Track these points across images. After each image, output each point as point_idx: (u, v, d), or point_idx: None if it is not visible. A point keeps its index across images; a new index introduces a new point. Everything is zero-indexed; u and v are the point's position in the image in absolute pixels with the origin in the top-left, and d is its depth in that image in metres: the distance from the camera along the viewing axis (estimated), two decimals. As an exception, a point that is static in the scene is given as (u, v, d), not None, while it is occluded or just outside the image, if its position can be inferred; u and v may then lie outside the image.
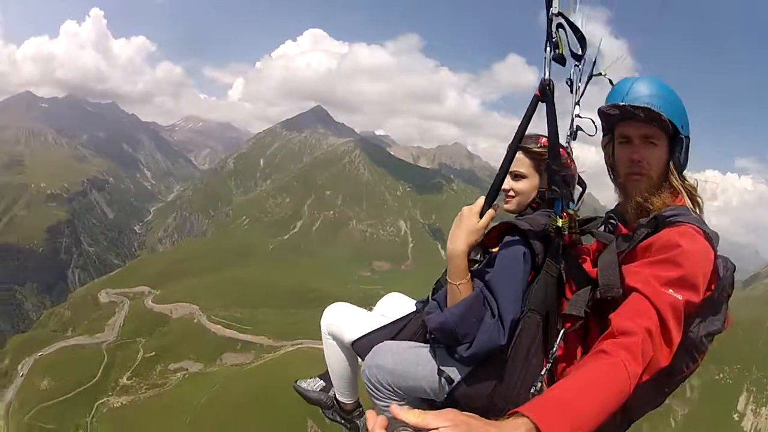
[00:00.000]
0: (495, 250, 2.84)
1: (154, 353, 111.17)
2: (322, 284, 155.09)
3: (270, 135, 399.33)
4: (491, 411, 2.48)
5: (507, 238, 2.78)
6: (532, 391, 2.53)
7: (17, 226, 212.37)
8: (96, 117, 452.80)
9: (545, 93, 2.55)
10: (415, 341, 2.99)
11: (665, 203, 2.64)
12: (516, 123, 2.77)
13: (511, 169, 2.98)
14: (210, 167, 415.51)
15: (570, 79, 3.24)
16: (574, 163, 3.11)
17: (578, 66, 2.78)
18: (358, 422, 3.69)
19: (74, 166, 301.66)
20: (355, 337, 3.23)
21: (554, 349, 2.58)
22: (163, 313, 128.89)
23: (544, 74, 2.54)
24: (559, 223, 2.68)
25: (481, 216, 2.78)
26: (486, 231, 2.82)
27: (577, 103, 3.06)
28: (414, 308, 3.38)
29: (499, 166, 2.85)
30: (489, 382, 2.65)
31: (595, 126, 2.94)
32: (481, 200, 2.82)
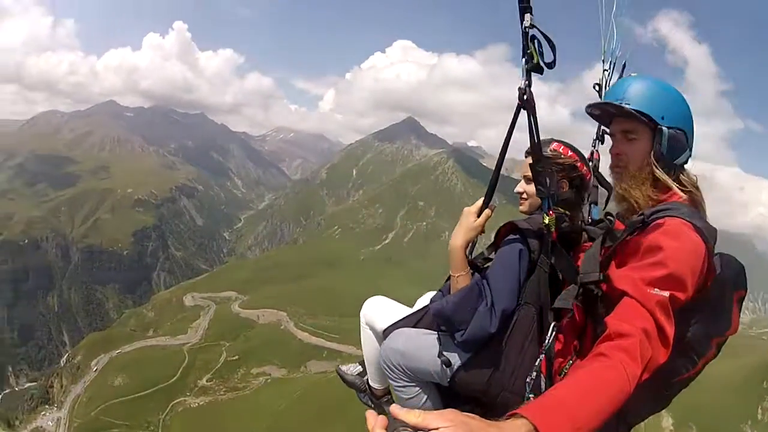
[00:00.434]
0: None
1: (237, 357, 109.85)
2: (411, 295, 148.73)
3: (362, 146, 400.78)
4: (488, 397, 2.90)
5: (509, 237, 3.08)
6: (527, 380, 2.68)
7: (101, 229, 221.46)
8: (184, 127, 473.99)
9: (522, 100, 2.71)
10: (432, 329, 3.22)
11: (648, 196, 2.72)
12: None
13: (523, 173, 3.36)
14: (302, 177, 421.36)
15: (598, 84, 3.59)
16: (587, 166, 3.40)
17: (607, 71, 3.01)
18: (385, 408, 3.86)
19: (162, 173, 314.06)
20: (386, 326, 3.50)
21: (547, 341, 2.72)
22: (249, 318, 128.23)
23: (521, 83, 2.69)
24: (546, 220, 2.86)
25: (478, 215, 3.16)
26: (482, 229, 3.19)
27: None
28: None
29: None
30: (486, 370, 2.89)
31: None
32: (480, 201, 3.19)
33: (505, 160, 2.91)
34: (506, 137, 2.96)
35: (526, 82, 2.68)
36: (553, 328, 2.74)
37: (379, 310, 3.71)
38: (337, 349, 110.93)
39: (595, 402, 1.90)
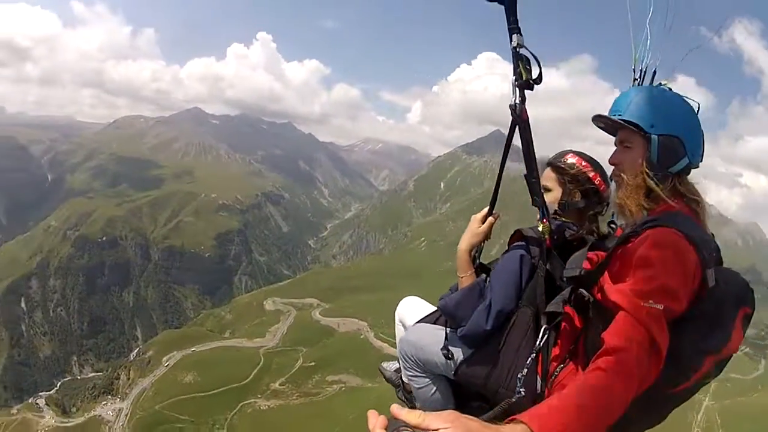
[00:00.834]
0: None
1: (313, 363, 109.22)
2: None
3: (450, 158, 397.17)
4: (488, 393, 3.13)
5: (515, 243, 3.33)
6: (519, 376, 2.85)
7: (183, 231, 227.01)
8: (271, 135, 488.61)
9: (515, 116, 2.92)
10: (446, 326, 3.44)
11: (641, 205, 2.76)
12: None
13: (543, 182, 3.59)
14: (389, 188, 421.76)
15: None
16: (604, 178, 3.60)
17: (637, 80, 2.99)
18: (416, 404, 4.03)
19: (248, 179, 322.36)
20: (413, 323, 3.77)
21: (538, 343, 2.90)
22: (329, 325, 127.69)
23: (512, 100, 2.90)
24: (540, 228, 3.14)
25: (484, 222, 3.52)
26: (487, 235, 3.52)
27: None
28: None
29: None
30: (485, 366, 3.11)
31: None
32: (486, 209, 3.54)
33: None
34: (504, 151, 3.24)
35: (520, 99, 2.88)
36: (545, 330, 2.89)
37: (410, 309, 3.97)
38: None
39: (592, 413, 1.97)
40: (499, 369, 3.05)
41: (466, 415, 1.73)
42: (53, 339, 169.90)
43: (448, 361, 3.22)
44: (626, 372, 2.12)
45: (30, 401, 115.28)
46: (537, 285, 3.08)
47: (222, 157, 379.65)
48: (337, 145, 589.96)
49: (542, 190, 3.33)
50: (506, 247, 3.40)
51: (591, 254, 3.05)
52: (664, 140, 2.69)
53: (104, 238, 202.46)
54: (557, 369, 2.84)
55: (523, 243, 3.25)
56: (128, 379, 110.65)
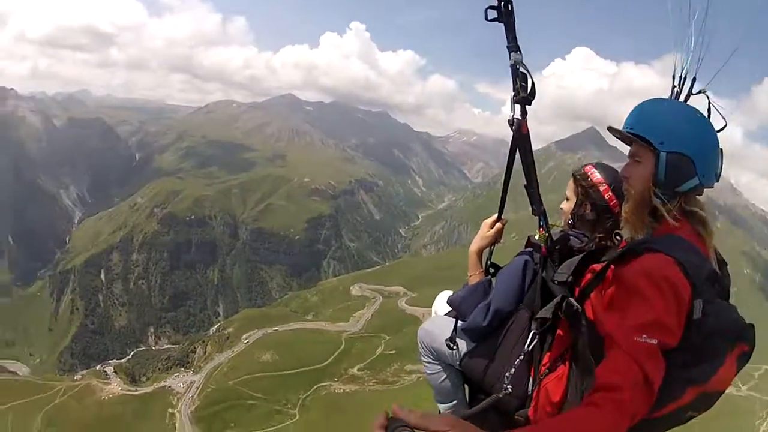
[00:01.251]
0: None
1: (394, 351, 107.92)
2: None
3: (545, 154, 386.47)
4: (486, 387, 3.32)
5: (522, 249, 3.53)
6: (506, 374, 3.01)
7: (274, 213, 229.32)
8: (365, 124, 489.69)
9: (513, 130, 3.00)
10: None
11: (643, 222, 2.75)
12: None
13: (566, 192, 3.79)
14: (483, 181, 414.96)
15: None
16: (617, 192, 3.50)
17: (676, 87, 2.94)
18: None
19: (341, 166, 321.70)
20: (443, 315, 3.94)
21: (526, 345, 3.04)
22: (414, 315, 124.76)
23: (510, 116, 2.97)
24: (537, 236, 3.32)
25: (492, 227, 3.79)
26: (496, 238, 3.79)
27: None
28: None
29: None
30: (484, 360, 3.33)
31: None
32: (495, 215, 3.77)
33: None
34: (508, 161, 3.28)
35: (520, 114, 2.93)
36: (533, 335, 3.01)
37: (444, 303, 4.02)
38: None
39: None
40: (495, 364, 3.25)
41: (466, 421, 1.76)
42: (131, 310, 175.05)
43: (453, 351, 3.43)
44: (620, 410, 2.10)
45: (98, 368, 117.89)
46: (535, 290, 3.23)
47: (315, 143, 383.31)
48: (432, 135, 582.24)
49: (566, 199, 3.74)
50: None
51: (596, 266, 2.91)
52: (672, 158, 2.61)
53: (192, 217, 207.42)
54: (544, 373, 2.90)
55: (530, 249, 3.45)
56: (204, 353, 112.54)
